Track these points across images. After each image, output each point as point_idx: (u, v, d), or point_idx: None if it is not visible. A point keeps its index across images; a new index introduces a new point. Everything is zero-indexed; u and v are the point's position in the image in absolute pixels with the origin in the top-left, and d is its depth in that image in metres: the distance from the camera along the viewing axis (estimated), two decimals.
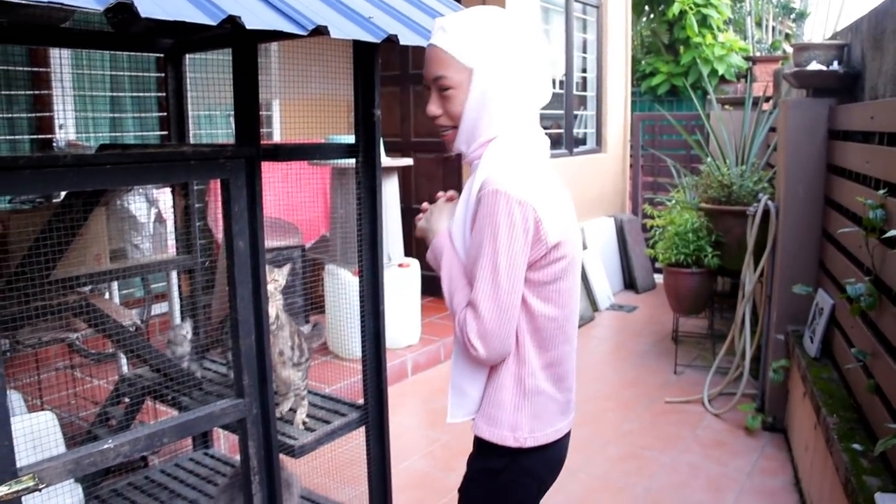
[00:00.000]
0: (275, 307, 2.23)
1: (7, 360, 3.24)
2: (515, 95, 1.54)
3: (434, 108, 1.59)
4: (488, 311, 1.46)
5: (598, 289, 6.50)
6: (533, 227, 1.46)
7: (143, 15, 1.22)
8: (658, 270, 7.04)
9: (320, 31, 1.56)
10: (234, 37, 1.90)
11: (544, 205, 1.48)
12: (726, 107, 6.57)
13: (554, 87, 6.35)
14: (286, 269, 2.33)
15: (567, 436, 1.72)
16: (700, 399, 4.39)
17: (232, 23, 1.38)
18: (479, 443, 1.65)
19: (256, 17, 1.46)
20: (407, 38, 1.85)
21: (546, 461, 1.67)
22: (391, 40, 1.79)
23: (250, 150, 1.92)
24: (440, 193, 1.75)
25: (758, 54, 9.40)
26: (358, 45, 2.19)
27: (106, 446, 1.70)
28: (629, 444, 3.87)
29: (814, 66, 3.76)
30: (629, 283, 7.26)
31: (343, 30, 1.65)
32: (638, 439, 3.92)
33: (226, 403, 1.96)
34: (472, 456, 1.71)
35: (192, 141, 3.15)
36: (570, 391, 1.69)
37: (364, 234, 2.33)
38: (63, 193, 2.84)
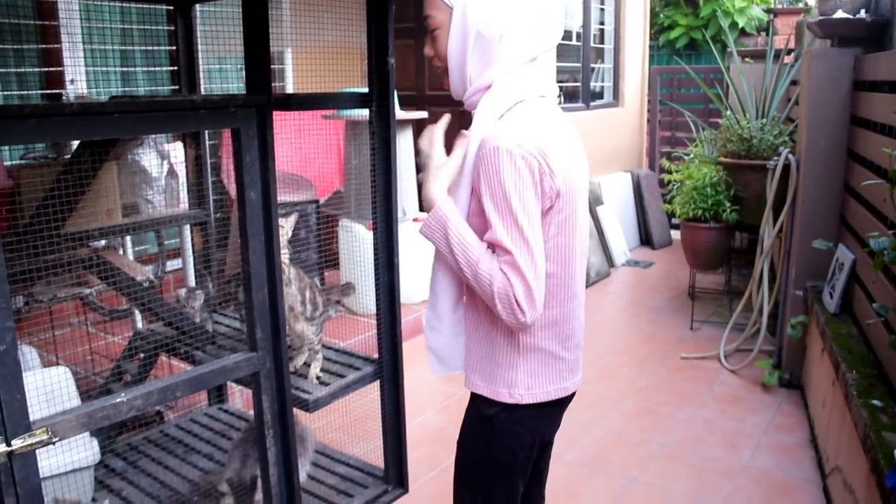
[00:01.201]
0: (284, 261, 2.19)
1: (22, 316, 3.25)
2: (508, 37, 1.45)
3: (427, 48, 1.57)
4: (529, 271, 1.38)
5: (614, 244, 6.44)
6: (539, 180, 1.40)
7: None
8: (675, 226, 6.97)
9: None
10: None
11: (549, 156, 1.41)
12: (747, 60, 6.44)
13: (570, 38, 6.19)
14: (293, 218, 2.28)
15: (573, 394, 1.68)
16: (716, 355, 4.36)
17: None
18: (475, 394, 1.63)
19: None
20: None
21: (545, 417, 1.62)
22: None
23: (261, 99, 1.88)
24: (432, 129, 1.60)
25: (779, 6, 9.17)
26: None
27: (119, 400, 1.69)
28: (644, 399, 3.86)
29: (840, 14, 3.65)
30: (645, 239, 7.19)
31: None
32: (653, 395, 3.91)
33: (239, 357, 1.94)
34: (468, 406, 1.68)
35: (202, 93, 3.10)
36: (577, 349, 1.65)
37: (378, 186, 2.29)
38: (73, 150, 2.81)
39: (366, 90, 2.24)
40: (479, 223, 1.46)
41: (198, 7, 2.83)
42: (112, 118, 1.59)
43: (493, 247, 1.42)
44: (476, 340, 1.59)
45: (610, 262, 6.36)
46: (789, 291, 3.95)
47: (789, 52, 5.43)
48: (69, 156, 3.20)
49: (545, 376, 1.57)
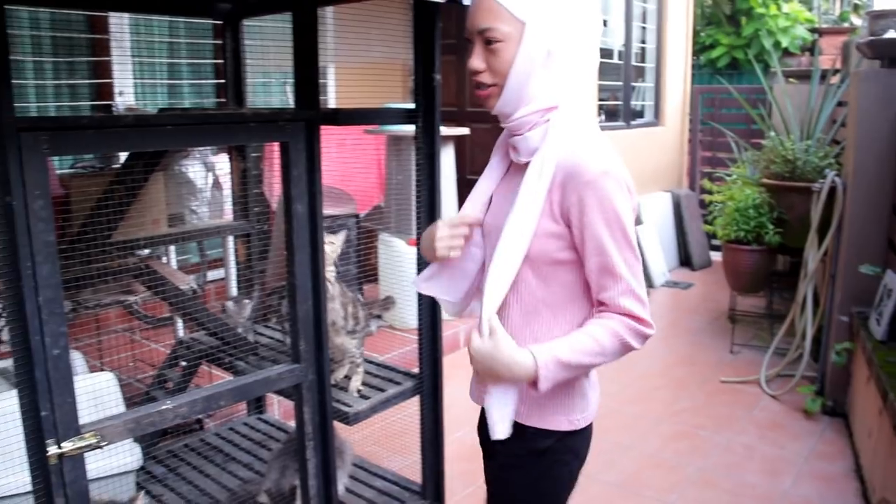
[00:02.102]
0: (329, 276, 2.21)
1: (69, 322, 3.30)
2: (574, 59, 1.41)
3: (478, 62, 1.41)
4: (642, 290, 1.38)
5: (653, 265, 6.39)
6: (632, 203, 1.39)
7: None
8: (715, 247, 6.89)
9: None
10: (292, 1, 1.88)
11: (628, 177, 1.40)
12: (790, 80, 6.36)
13: (611, 57, 6.18)
14: (342, 235, 2.30)
15: None
16: (757, 380, 4.29)
17: None
18: (522, 428, 1.49)
19: None
20: None
21: (588, 438, 1.56)
22: (453, 1, 1.74)
23: (310, 114, 1.90)
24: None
25: (824, 25, 9.07)
26: (419, 7, 2.14)
27: (165, 407, 1.71)
28: (682, 422, 3.81)
29: (890, 34, 3.60)
30: (685, 260, 7.12)
31: None
32: (691, 418, 3.85)
33: (282, 368, 1.96)
34: (506, 440, 1.48)
35: (248, 107, 3.15)
36: None
37: (422, 202, 2.30)
38: (121, 161, 2.87)
39: (408, 105, 2.25)
40: (547, 244, 1.40)
41: (245, 21, 2.88)
42: (165, 130, 1.62)
43: (602, 272, 1.37)
44: (547, 397, 1.46)
45: (649, 282, 6.30)
46: (834, 317, 3.88)
47: (835, 72, 5.36)
48: (117, 166, 3.26)
49: (589, 395, 1.53)
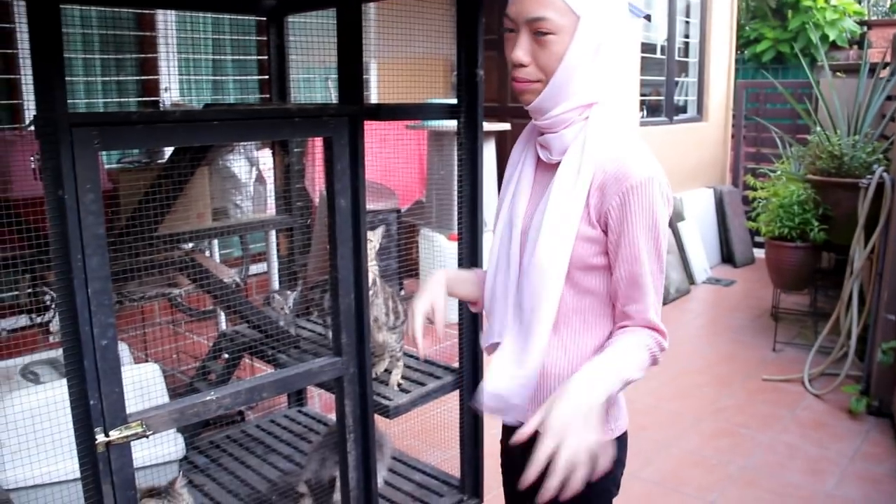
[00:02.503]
0: (371, 272, 2.23)
1: (116, 313, 3.37)
2: (620, 55, 1.40)
3: (523, 54, 1.31)
4: (660, 305, 1.35)
5: (694, 261, 6.32)
6: (670, 211, 1.36)
7: None
8: (757, 244, 6.79)
9: None
10: None
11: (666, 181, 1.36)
12: (838, 74, 6.24)
13: (654, 52, 6.12)
14: (380, 231, 2.32)
15: None
16: (800, 378, 4.22)
17: None
18: None
19: None
20: None
21: (626, 444, 1.52)
22: None
23: (353, 109, 1.92)
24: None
25: (874, 18, 8.87)
26: (462, 2, 2.15)
27: (209, 398, 1.74)
28: (724, 420, 3.77)
29: None
30: (727, 257, 7.03)
31: None
32: (733, 416, 3.81)
33: (324, 361, 1.98)
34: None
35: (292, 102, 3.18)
36: None
37: (464, 197, 2.30)
38: (167, 156, 2.92)
39: (450, 101, 2.26)
40: (582, 249, 1.34)
41: (289, 18, 2.91)
42: (211, 125, 1.65)
43: (631, 283, 1.33)
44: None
45: (690, 279, 6.24)
46: (880, 315, 3.81)
47: (885, 66, 5.24)
48: (163, 161, 3.32)
49: (622, 401, 1.49)
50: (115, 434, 1.58)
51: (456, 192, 2.32)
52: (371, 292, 2.22)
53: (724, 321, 5.39)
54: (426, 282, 1.55)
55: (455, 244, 2.37)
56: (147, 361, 3.10)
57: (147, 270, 2.41)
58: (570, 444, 1.13)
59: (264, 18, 2.90)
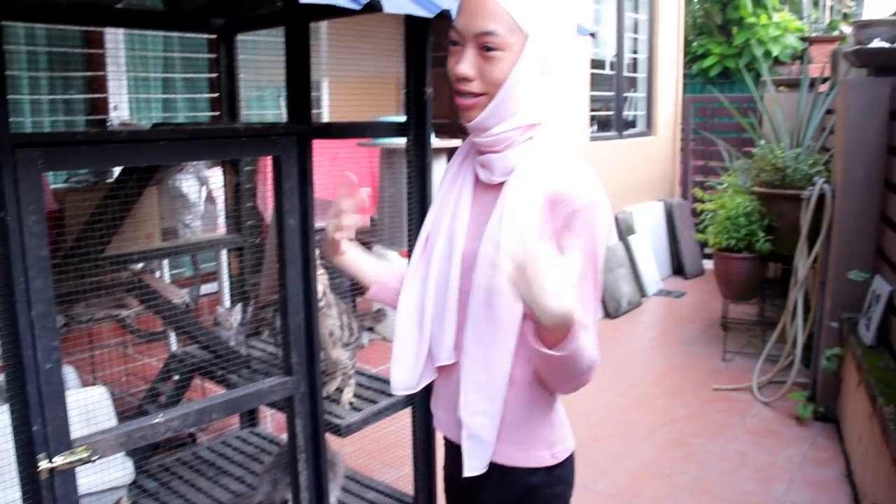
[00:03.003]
0: (322, 284, 2.22)
1: (62, 336, 3.31)
2: (564, 77, 1.35)
3: (468, 67, 1.28)
4: (594, 329, 1.29)
5: (645, 274, 6.42)
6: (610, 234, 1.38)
7: None
8: (707, 256, 6.92)
9: (373, 6, 1.54)
10: (285, 14, 1.90)
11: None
12: (781, 88, 6.41)
13: (603, 68, 6.18)
14: None
15: None
16: (749, 387, 4.31)
17: None
18: (505, 470, 1.40)
19: None
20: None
21: (573, 465, 1.47)
22: (444, 16, 1.76)
23: (302, 128, 1.92)
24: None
25: (814, 34, 9.13)
26: (410, 21, 2.17)
27: (157, 420, 1.72)
28: (677, 430, 3.82)
29: (876, 43, 3.64)
30: (677, 269, 7.15)
31: (397, 4, 1.64)
32: (685, 426, 3.87)
33: (274, 381, 1.97)
34: (489, 486, 1.42)
35: (242, 121, 3.17)
36: None
37: (413, 214, 2.31)
38: (115, 175, 2.88)
39: (401, 119, 2.28)
40: None
41: (239, 36, 2.90)
42: (158, 145, 1.64)
43: None
44: (510, 406, 1.37)
45: (642, 291, 6.33)
46: (824, 323, 3.91)
47: (824, 80, 5.40)
48: (111, 180, 3.28)
49: (566, 422, 1.45)
50: (59, 460, 1.55)
51: (406, 210, 2.33)
52: (322, 303, 2.21)
53: (676, 332, 5.48)
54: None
55: (405, 260, 2.38)
56: (95, 384, 3.04)
57: (94, 292, 2.38)
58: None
59: (214, 36, 2.89)
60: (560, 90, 1.35)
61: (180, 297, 3.04)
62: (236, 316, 2.55)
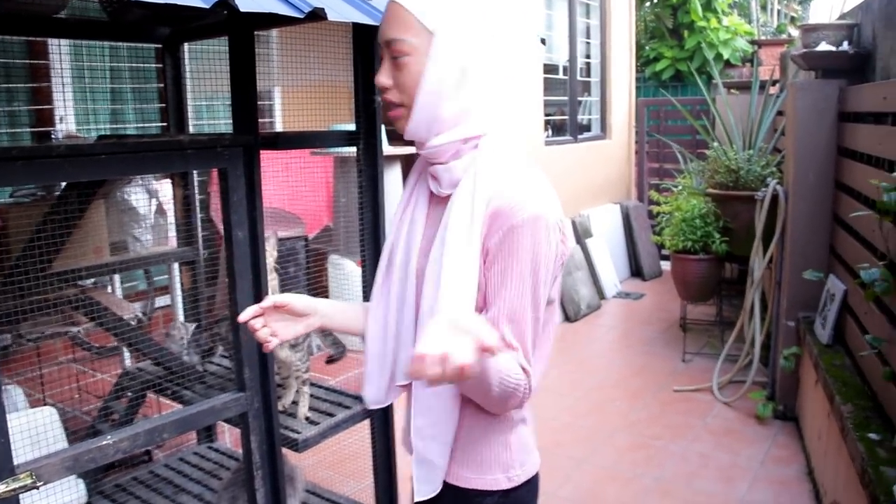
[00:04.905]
0: (270, 287, 2.17)
1: (9, 355, 3.21)
2: (497, 80, 1.26)
3: (384, 77, 1.25)
4: (530, 352, 1.24)
5: (604, 276, 6.45)
6: (560, 250, 1.25)
7: None
8: (665, 257, 6.98)
9: (317, 14, 1.51)
10: (229, 24, 1.86)
11: (563, 218, 1.27)
12: (732, 91, 6.51)
13: (556, 72, 6.18)
14: (272, 240, 2.25)
15: None
16: (709, 387, 4.35)
17: (225, 7, 1.33)
18: (459, 492, 1.36)
19: (251, 0, 1.41)
20: None
21: (534, 490, 1.42)
22: None
23: (248, 139, 1.88)
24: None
25: (763, 38, 9.30)
26: (357, 29, 2.14)
27: (105, 442, 1.67)
28: (637, 433, 3.83)
29: (823, 46, 3.69)
30: (636, 271, 7.21)
31: (341, 12, 1.61)
32: (646, 429, 3.88)
33: (227, 397, 1.93)
34: None
35: (192, 131, 3.11)
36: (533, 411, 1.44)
37: (366, 223, 2.29)
38: (62, 186, 2.80)
39: (348, 127, 2.24)
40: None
41: (187, 45, 2.85)
42: (99, 159, 1.59)
43: (499, 318, 1.22)
44: (464, 428, 1.33)
45: (601, 294, 6.36)
46: (781, 322, 3.95)
47: (774, 83, 5.49)
48: (59, 193, 3.19)
49: (529, 445, 1.40)
50: (1, 488, 1.49)
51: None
52: None
53: (635, 334, 5.52)
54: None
55: (358, 269, 2.35)
56: (45, 403, 2.96)
57: (40, 310, 2.30)
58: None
59: (159, 45, 2.83)
60: (497, 96, 1.28)
61: (131, 311, 2.97)
62: (187, 332, 2.49)
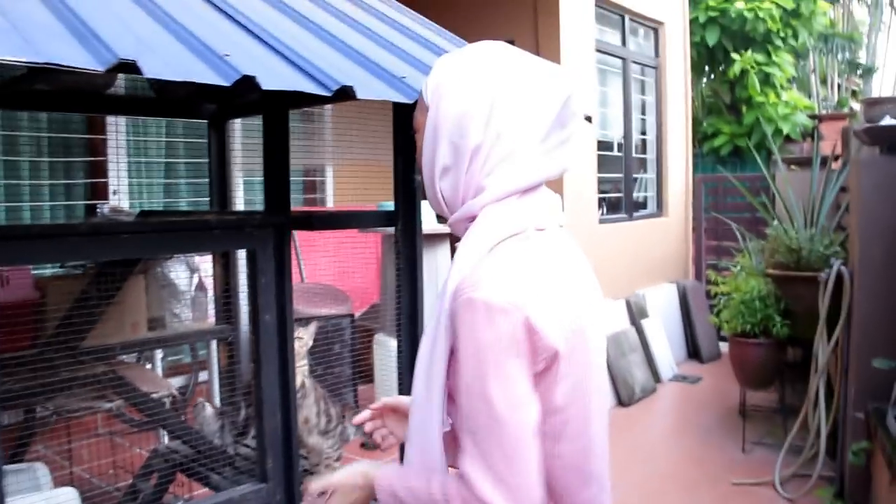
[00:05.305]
0: (300, 373, 2.09)
1: (45, 429, 3.18)
2: (493, 159, 1.14)
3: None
4: (500, 460, 1.05)
5: (660, 358, 6.22)
6: (525, 340, 1.06)
7: (145, 74, 1.14)
8: (723, 338, 6.73)
9: (346, 92, 1.46)
10: (262, 102, 1.83)
11: (540, 303, 1.08)
12: (792, 167, 6.34)
13: (611, 149, 6.11)
14: (312, 327, 2.20)
15: None
16: (771, 481, 4.07)
17: (248, 83, 1.28)
18: None
19: (275, 77, 1.36)
20: None
21: None
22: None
23: (280, 219, 1.83)
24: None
25: (824, 112, 9.13)
26: (397, 106, 2.10)
27: None
28: None
29: (887, 120, 3.55)
30: (693, 353, 6.94)
31: (372, 89, 1.55)
32: None
33: (246, 489, 1.83)
34: None
35: (242, 207, 3.11)
36: None
37: (403, 306, 2.20)
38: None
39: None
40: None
41: (234, 121, 2.86)
42: (121, 238, 1.54)
43: (459, 423, 1.11)
44: None
45: (656, 377, 6.12)
46: (849, 413, 3.70)
47: (836, 158, 5.31)
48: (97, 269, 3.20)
49: None
50: None
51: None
52: (300, 394, 2.07)
53: (692, 420, 5.26)
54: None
55: None
56: (72, 482, 2.90)
57: (69, 386, 2.26)
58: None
59: (206, 121, 2.84)
60: (504, 169, 1.14)
61: (167, 388, 2.91)
62: (208, 412, 2.41)
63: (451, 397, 1.12)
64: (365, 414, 1.36)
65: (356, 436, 2.36)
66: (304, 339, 2.11)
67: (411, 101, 1.65)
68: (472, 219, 1.15)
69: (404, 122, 2.12)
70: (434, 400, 1.13)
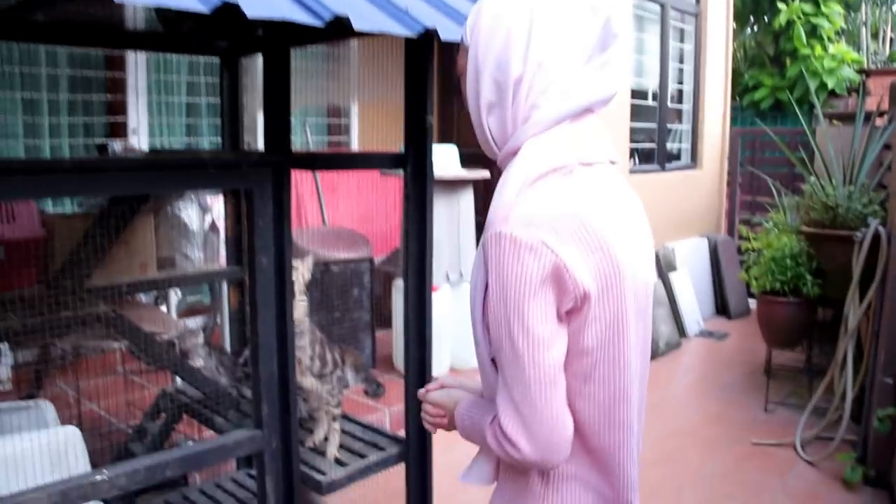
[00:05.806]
0: (300, 311, 2.02)
1: (59, 365, 3.20)
2: (535, 85, 1.14)
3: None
4: (519, 393, 1.09)
5: (686, 313, 6.11)
6: (551, 276, 1.05)
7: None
8: (753, 295, 6.59)
9: (341, 23, 1.36)
10: (262, 40, 1.74)
11: (574, 243, 1.07)
12: (834, 122, 6.10)
13: (646, 98, 5.91)
14: (309, 259, 2.11)
15: None
16: (792, 443, 3.98)
17: (229, 10, 1.20)
18: None
19: (263, 6, 1.27)
20: (449, 33, 1.62)
21: None
22: (430, 35, 1.58)
23: (278, 158, 1.75)
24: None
25: (872, 66, 8.76)
26: (409, 44, 1.99)
27: (100, 478, 1.55)
28: (708, 489, 3.52)
29: None
30: (721, 309, 6.81)
31: (371, 21, 1.45)
32: (718, 485, 3.57)
33: (241, 435, 1.79)
34: None
35: (248, 147, 3.03)
36: (627, 489, 1.24)
37: (411, 253, 2.12)
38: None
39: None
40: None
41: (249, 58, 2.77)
42: (108, 175, 1.48)
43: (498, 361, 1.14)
44: (506, 478, 1.28)
45: (681, 331, 6.02)
46: (877, 378, 3.59)
47: (881, 114, 5.08)
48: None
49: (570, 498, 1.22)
50: None
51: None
52: (298, 331, 2.01)
53: (715, 378, 5.16)
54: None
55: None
56: (80, 419, 2.91)
57: (70, 326, 2.23)
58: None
59: (218, 59, 2.75)
60: (531, 105, 1.15)
61: (176, 328, 2.89)
62: (199, 338, 2.36)
63: (489, 330, 1.14)
64: (432, 387, 1.39)
65: (356, 383, 2.31)
66: (300, 269, 2.02)
67: (414, 35, 1.55)
68: (517, 153, 1.15)
69: (415, 58, 2.02)
70: (479, 332, 1.16)
